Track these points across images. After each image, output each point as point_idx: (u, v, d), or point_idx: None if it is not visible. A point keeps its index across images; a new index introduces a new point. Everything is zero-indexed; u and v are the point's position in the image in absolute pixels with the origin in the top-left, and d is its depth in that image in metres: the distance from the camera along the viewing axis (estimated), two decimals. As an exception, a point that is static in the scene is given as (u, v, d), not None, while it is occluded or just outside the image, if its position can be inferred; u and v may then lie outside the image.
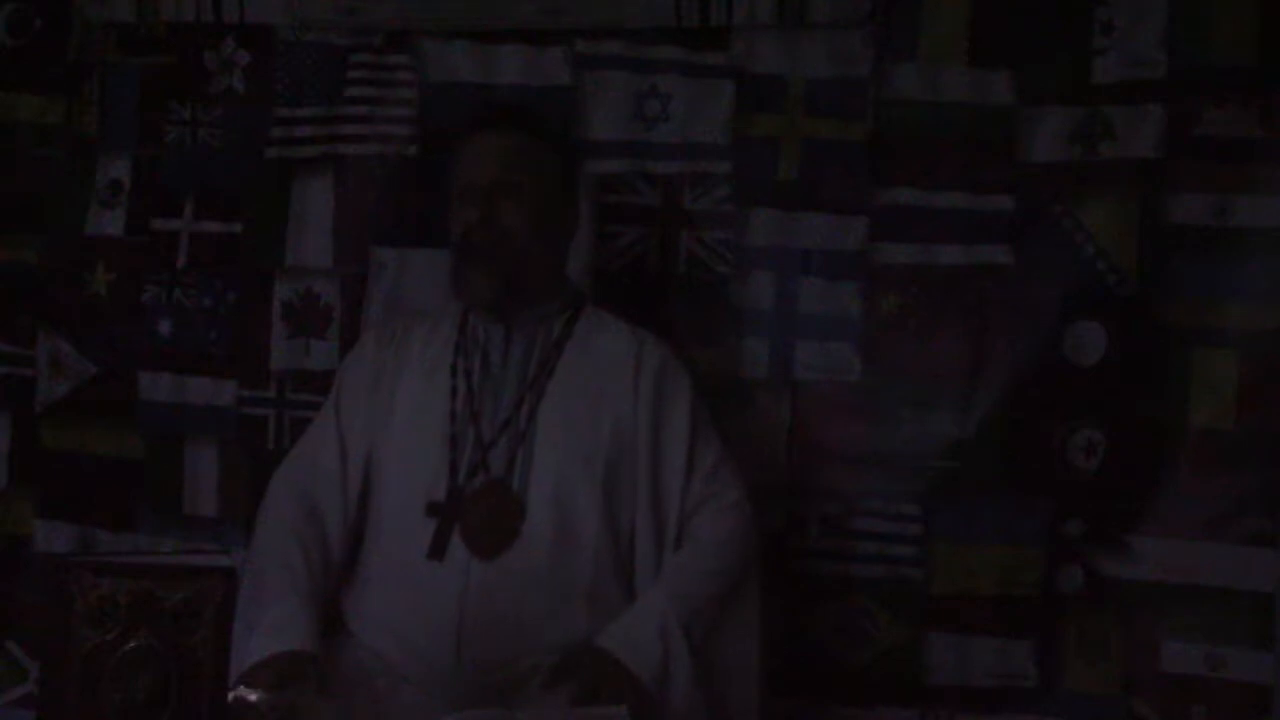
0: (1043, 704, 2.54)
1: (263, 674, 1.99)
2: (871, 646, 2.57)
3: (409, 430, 2.26)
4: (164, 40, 2.77)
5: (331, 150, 2.71)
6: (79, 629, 1.71)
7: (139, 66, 2.78)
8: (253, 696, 1.87)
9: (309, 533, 2.24)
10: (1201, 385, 2.49)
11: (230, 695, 1.79)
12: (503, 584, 2.14)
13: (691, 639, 2.10)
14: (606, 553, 2.19)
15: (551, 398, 2.24)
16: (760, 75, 2.60)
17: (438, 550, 2.15)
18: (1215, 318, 2.49)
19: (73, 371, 2.80)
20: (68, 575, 1.73)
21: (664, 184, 2.63)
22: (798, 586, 2.57)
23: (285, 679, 1.98)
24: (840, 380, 2.58)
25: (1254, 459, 2.47)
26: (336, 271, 2.71)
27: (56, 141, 2.81)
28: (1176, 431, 2.50)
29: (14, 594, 2.80)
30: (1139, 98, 2.49)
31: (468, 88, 2.66)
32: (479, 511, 2.17)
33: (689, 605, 2.13)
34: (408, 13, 2.67)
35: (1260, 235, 2.48)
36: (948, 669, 2.55)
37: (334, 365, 2.63)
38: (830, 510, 2.58)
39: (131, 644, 1.70)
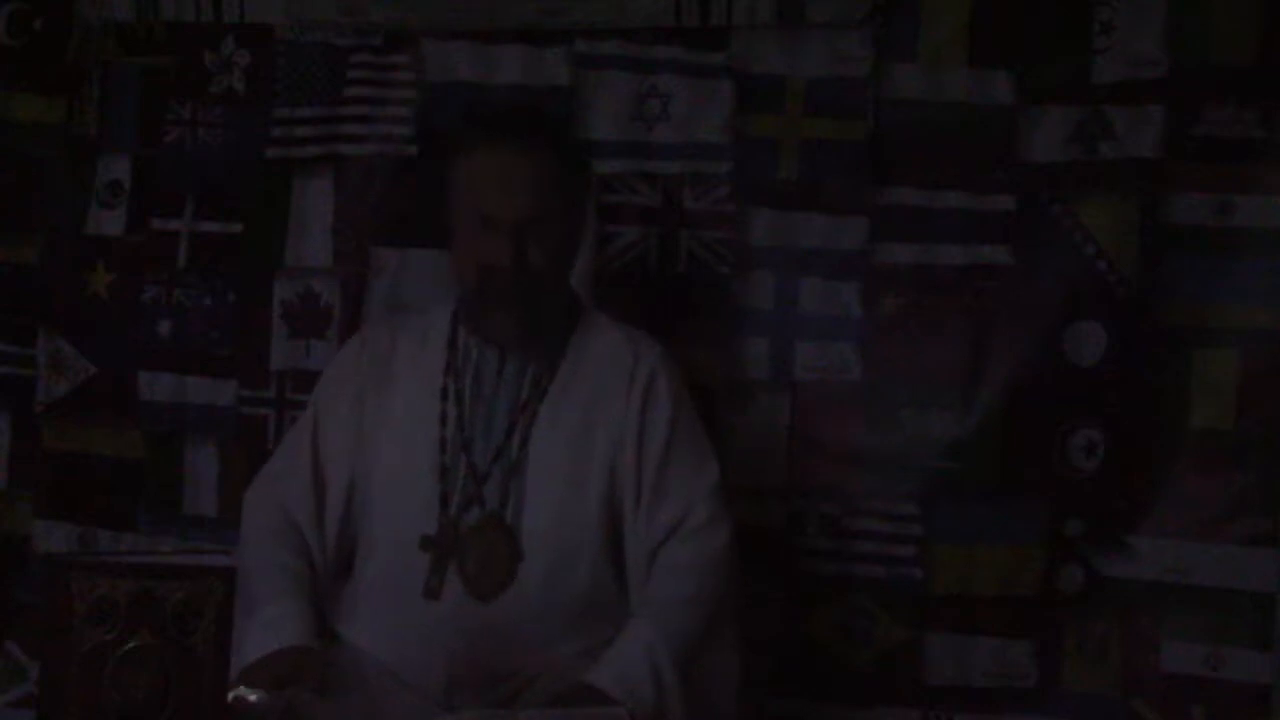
0: (1043, 704, 2.53)
1: (262, 672, 1.98)
2: (871, 646, 2.57)
3: (398, 457, 2.21)
4: (164, 40, 2.77)
5: (331, 150, 2.70)
6: (79, 629, 1.71)
7: (139, 66, 2.78)
8: (253, 697, 1.87)
9: (293, 540, 2.22)
10: (1201, 385, 2.49)
11: (230, 695, 1.79)
12: (497, 619, 2.11)
13: (681, 671, 2.05)
14: (603, 574, 2.17)
15: (544, 422, 2.19)
16: (760, 75, 2.60)
17: (433, 590, 2.12)
18: (1215, 318, 2.49)
19: (73, 371, 2.80)
20: (68, 575, 1.73)
21: (664, 184, 2.63)
22: (798, 586, 2.57)
23: (285, 677, 1.97)
24: (840, 380, 2.58)
25: (1254, 459, 2.47)
26: (336, 271, 2.71)
27: (56, 141, 2.81)
28: (1176, 431, 2.50)
29: (14, 594, 2.80)
30: (1139, 98, 2.49)
31: (468, 88, 2.66)
32: (476, 551, 2.13)
33: (675, 638, 2.08)
34: (408, 13, 2.67)
35: (1260, 235, 2.47)
36: (948, 669, 2.55)
37: (334, 365, 2.64)
38: (830, 510, 2.58)
39: (131, 644, 1.70)
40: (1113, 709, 2.52)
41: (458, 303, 2.29)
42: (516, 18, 2.64)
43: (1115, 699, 2.52)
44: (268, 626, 2.08)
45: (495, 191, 2.14)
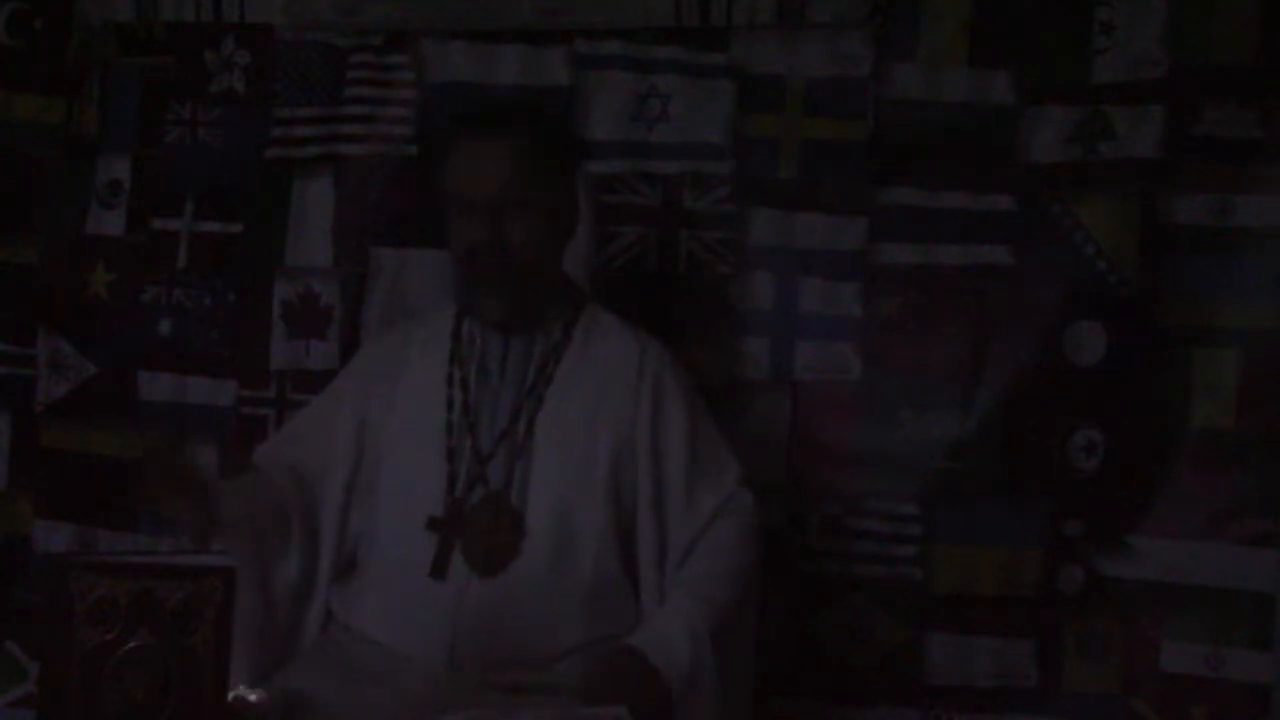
0: (1043, 704, 2.53)
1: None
2: (872, 646, 2.57)
3: (405, 442, 2.25)
4: (164, 40, 2.77)
5: (331, 150, 2.71)
6: (79, 629, 1.70)
7: (139, 66, 2.78)
8: (253, 696, 1.87)
9: (291, 476, 2.27)
10: (1201, 385, 2.49)
11: (230, 695, 1.79)
12: (500, 599, 2.13)
13: (716, 643, 2.07)
14: (608, 561, 2.18)
15: (550, 407, 2.22)
16: (760, 75, 2.60)
17: (439, 569, 2.14)
18: (1215, 318, 2.49)
19: (73, 371, 2.80)
20: (68, 575, 1.72)
21: (664, 184, 2.63)
22: (798, 586, 2.57)
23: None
24: (840, 380, 2.58)
25: (1254, 459, 2.47)
26: (336, 271, 2.71)
27: (56, 141, 2.81)
28: (1176, 431, 2.50)
29: (14, 594, 2.80)
30: (1139, 98, 2.49)
31: (468, 88, 2.66)
32: (479, 528, 2.16)
33: (714, 611, 2.10)
34: (408, 13, 2.67)
35: (1260, 235, 2.48)
36: (948, 669, 2.55)
37: (334, 365, 2.64)
38: (830, 510, 2.58)
39: (131, 644, 1.70)
40: (1113, 709, 2.52)
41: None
42: (516, 18, 2.64)
43: (1115, 699, 2.52)
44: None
45: (471, 174, 2.20)
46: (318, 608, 2.27)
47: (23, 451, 2.84)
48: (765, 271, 2.60)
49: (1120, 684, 2.52)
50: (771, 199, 2.60)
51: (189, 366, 2.75)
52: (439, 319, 2.35)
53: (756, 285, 2.60)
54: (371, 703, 2.04)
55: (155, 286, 2.77)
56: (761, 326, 2.60)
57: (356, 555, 2.28)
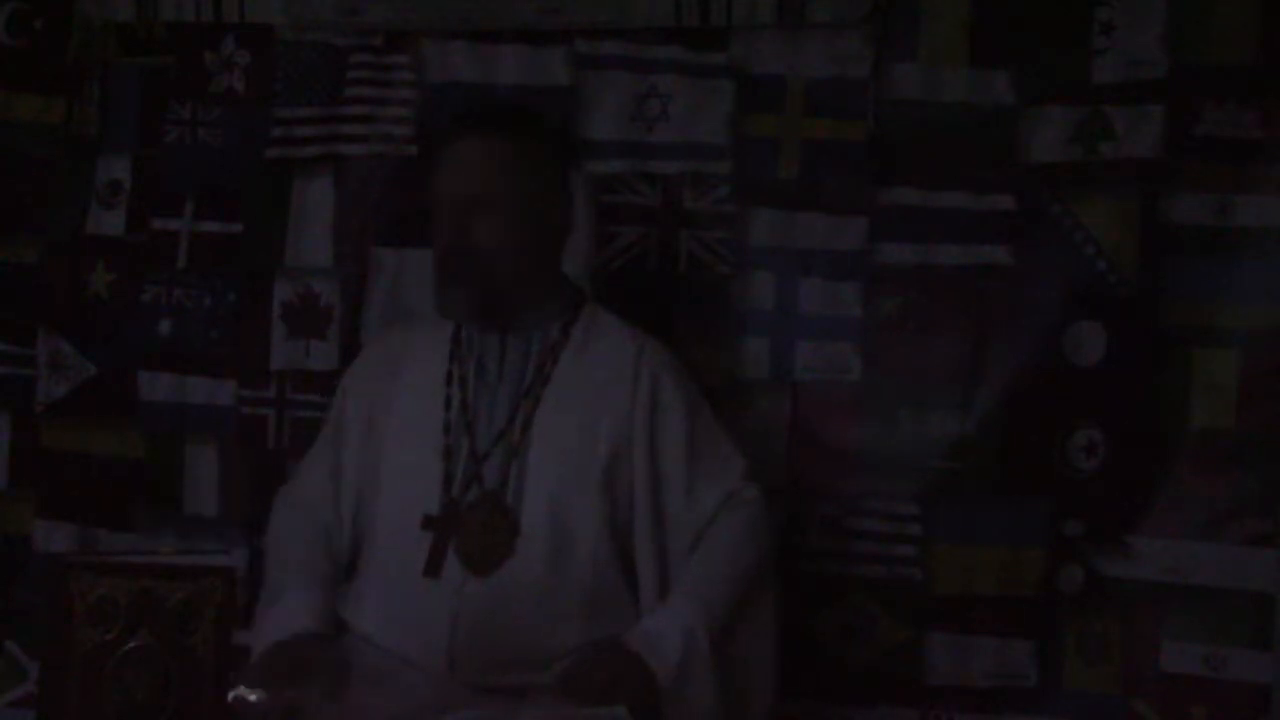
0: (1043, 704, 2.53)
1: (278, 660, 2.01)
2: (872, 646, 2.57)
3: (404, 442, 2.26)
4: (164, 40, 2.77)
5: (331, 150, 2.71)
6: (79, 629, 1.71)
7: (139, 66, 2.78)
8: (253, 696, 1.87)
9: (323, 542, 2.28)
10: (1201, 385, 2.49)
11: (230, 695, 1.79)
12: (497, 599, 2.13)
13: (714, 641, 2.08)
14: (606, 562, 2.18)
15: (547, 406, 2.22)
16: (760, 75, 2.60)
17: (433, 567, 2.15)
18: (1215, 318, 2.49)
19: (73, 371, 2.80)
20: (68, 575, 1.73)
21: (664, 184, 2.63)
22: (797, 586, 2.56)
23: (299, 664, 2.00)
24: (840, 380, 2.58)
25: (1254, 459, 2.47)
26: (336, 271, 2.71)
27: (56, 141, 2.81)
28: (1176, 431, 2.50)
29: (14, 594, 2.80)
30: (1139, 98, 2.49)
31: (468, 88, 2.66)
32: (473, 527, 2.16)
33: (712, 608, 2.11)
34: (408, 13, 2.67)
35: (1260, 235, 2.47)
36: (948, 669, 2.55)
37: (334, 365, 2.65)
38: (830, 510, 2.58)
39: (131, 644, 1.71)
40: (1113, 709, 2.52)
41: None
42: (516, 18, 2.64)
43: (1115, 699, 2.52)
44: (286, 612, 2.14)
45: (445, 173, 2.24)
46: None
47: (23, 451, 2.84)
48: (765, 271, 2.60)
49: (1120, 684, 2.52)
50: (771, 199, 2.60)
51: (189, 366, 2.75)
52: (440, 321, 2.35)
53: (756, 285, 2.60)
54: (372, 703, 2.04)
55: (155, 286, 2.77)
56: (761, 326, 2.60)
57: (357, 555, 2.29)
